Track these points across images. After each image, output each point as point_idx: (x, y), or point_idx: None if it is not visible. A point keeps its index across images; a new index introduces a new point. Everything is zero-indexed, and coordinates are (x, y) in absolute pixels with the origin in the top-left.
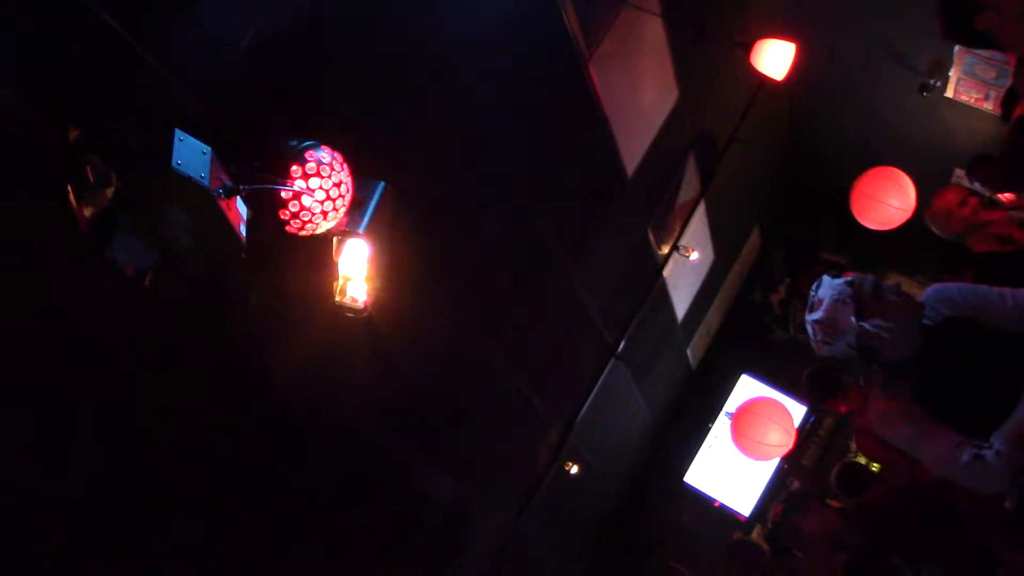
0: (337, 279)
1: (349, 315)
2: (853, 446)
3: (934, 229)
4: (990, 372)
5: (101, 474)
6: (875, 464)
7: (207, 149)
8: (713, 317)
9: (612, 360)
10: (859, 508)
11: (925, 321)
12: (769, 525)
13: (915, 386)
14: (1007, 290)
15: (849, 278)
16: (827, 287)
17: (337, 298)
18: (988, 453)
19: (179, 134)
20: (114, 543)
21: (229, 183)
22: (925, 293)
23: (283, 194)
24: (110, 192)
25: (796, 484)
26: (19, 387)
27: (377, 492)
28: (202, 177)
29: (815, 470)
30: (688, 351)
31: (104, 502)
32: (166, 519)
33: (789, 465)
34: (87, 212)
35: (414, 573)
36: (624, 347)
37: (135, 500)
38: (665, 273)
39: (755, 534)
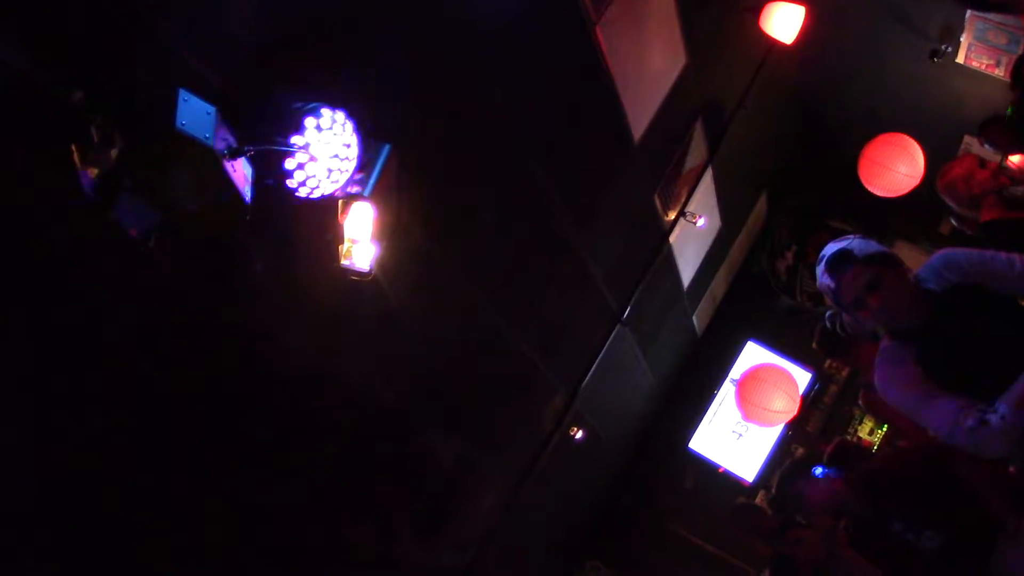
0: (342, 242)
1: (354, 278)
2: (861, 403)
3: (951, 202)
4: (996, 337)
5: (102, 441)
6: (881, 427)
7: (211, 109)
8: (719, 284)
9: (617, 326)
10: (862, 474)
11: (931, 287)
12: (773, 491)
13: (921, 351)
14: (1015, 255)
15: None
16: (822, 263)
17: (342, 261)
18: (993, 417)
19: (183, 94)
20: (113, 508)
21: (234, 144)
22: (932, 258)
23: (288, 156)
24: (114, 153)
25: (800, 451)
26: (19, 353)
27: (380, 456)
28: (207, 138)
29: (819, 437)
30: (694, 318)
31: (107, 468)
32: (167, 484)
33: (793, 432)
34: (91, 173)
35: (416, 537)
36: (630, 313)
37: (136, 468)
38: (671, 239)
39: (759, 499)
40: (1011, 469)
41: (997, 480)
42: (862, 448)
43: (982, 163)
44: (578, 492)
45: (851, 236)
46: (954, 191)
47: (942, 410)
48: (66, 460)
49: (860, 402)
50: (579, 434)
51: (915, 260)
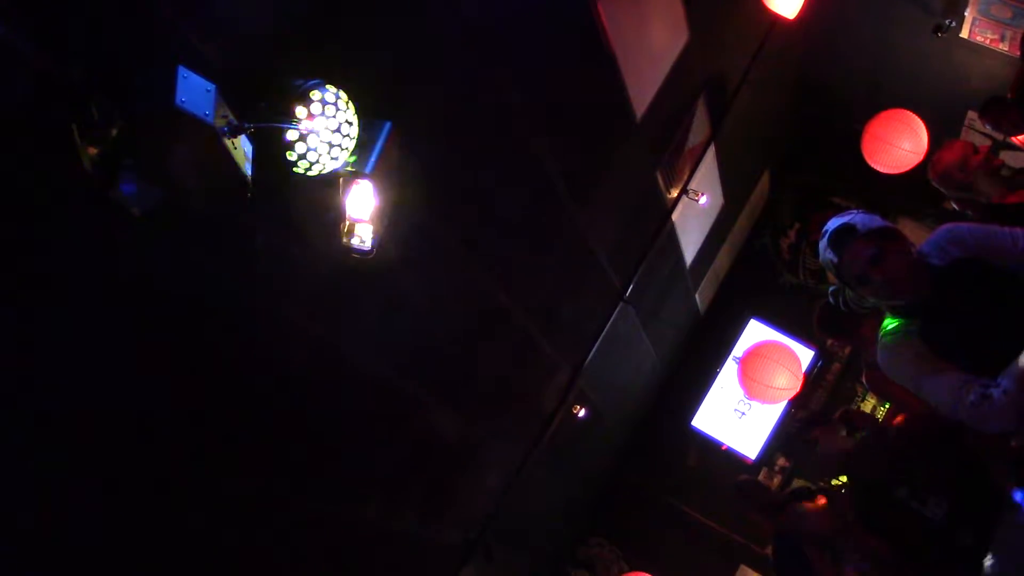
0: (344, 220)
1: (356, 256)
2: (864, 381)
3: (942, 188)
4: (999, 312)
5: (101, 413)
6: (884, 405)
7: (211, 87)
8: (722, 262)
9: (620, 304)
10: (868, 438)
11: (935, 262)
12: (785, 440)
13: (923, 326)
14: (1018, 230)
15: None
16: (824, 238)
17: (344, 240)
18: (995, 392)
19: (183, 71)
20: (111, 476)
21: (234, 121)
22: (935, 233)
23: (288, 133)
24: (114, 132)
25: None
26: (22, 336)
27: (383, 433)
28: (206, 115)
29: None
30: (696, 296)
31: (112, 442)
32: (168, 462)
33: (796, 409)
34: (91, 152)
35: (419, 514)
36: (632, 291)
37: (141, 442)
38: (674, 217)
39: (761, 477)
40: (1013, 444)
41: (1001, 453)
42: (867, 417)
43: (975, 148)
44: (581, 469)
45: (854, 211)
46: (949, 178)
47: (944, 385)
48: (67, 427)
49: (863, 380)
50: (582, 412)
51: (918, 236)
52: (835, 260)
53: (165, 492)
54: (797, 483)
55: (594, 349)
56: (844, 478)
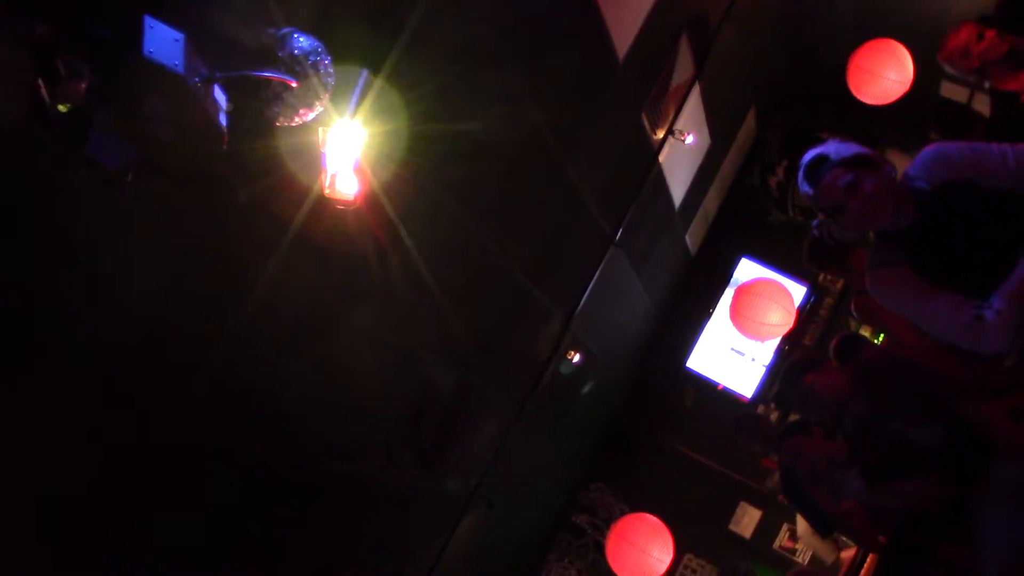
0: (325, 171)
1: (339, 207)
2: (852, 309)
3: (949, 69)
4: (989, 233)
5: (86, 374)
6: (878, 337)
7: (179, 36)
8: (711, 202)
9: (611, 249)
10: (863, 364)
11: (922, 184)
12: (776, 387)
13: (913, 251)
14: (1007, 147)
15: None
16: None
17: (326, 190)
18: (988, 313)
19: (149, 21)
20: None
21: (205, 71)
22: (921, 154)
23: (263, 83)
24: (83, 86)
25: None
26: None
27: (377, 387)
28: (176, 65)
29: (816, 350)
30: (687, 237)
31: (95, 400)
32: (151, 424)
33: (790, 345)
34: (61, 108)
35: (417, 465)
36: (622, 236)
37: (125, 402)
38: (661, 158)
39: (759, 411)
40: (1008, 362)
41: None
42: (864, 339)
43: (980, 35)
44: (578, 416)
45: (829, 141)
46: (954, 65)
47: (937, 309)
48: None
49: (852, 309)
50: (576, 357)
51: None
52: (811, 192)
53: (167, 451)
54: (793, 417)
55: (586, 294)
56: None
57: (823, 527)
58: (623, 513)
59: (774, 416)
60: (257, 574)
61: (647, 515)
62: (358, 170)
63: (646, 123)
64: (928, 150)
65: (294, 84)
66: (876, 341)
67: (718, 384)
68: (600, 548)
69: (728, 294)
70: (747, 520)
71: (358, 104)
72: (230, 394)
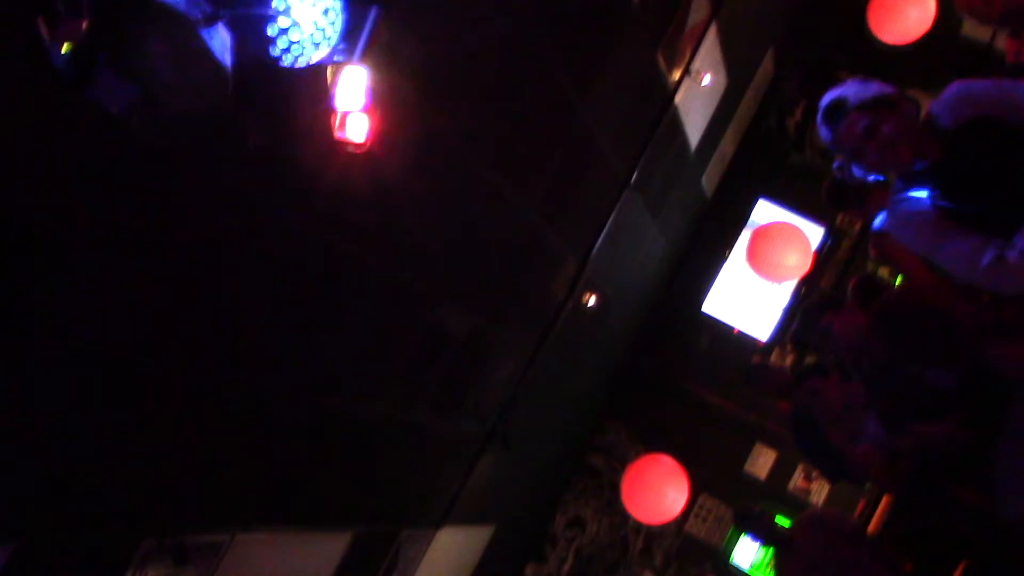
0: (335, 112)
1: (350, 150)
2: (871, 254)
3: (972, 18)
4: (1013, 173)
5: (100, 318)
6: (895, 280)
7: None
8: (728, 144)
9: (625, 191)
10: (881, 307)
11: (946, 123)
12: (795, 328)
13: (935, 191)
14: None
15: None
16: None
17: (336, 132)
18: (1011, 254)
19: None
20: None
21: (208, 8)
22: (945, 91)
23: (269, 21)
24: (84, 25)
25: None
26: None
27: (391, 330)
28: (177, 2)
29: (834, 292)
30: (703, 179)
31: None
32: (168, 367)
33: (806, 288)
34: (62, 49)
35: (435, 407)
36: (637, 178)
37: (139, 346)
38: (677, 99)
39: (774, 357)
40: None
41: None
42: (883, 281)
43: None
44: (594, 358)
45: (849, 81)
46: (975, 12)
47: (958, 250)
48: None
49: (870, 250)
50: (592, 300)
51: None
52: (829, 136)
53: (181, 394)
54: (809, 360)
55: (601, 237)
56: None
57: (833, 473)
58: (639, 454)
59: (790, 358)
60: (279, 511)
61: (662, 456)
62: (368, 111)
63: (662, 63)
64: (951, 88)
65: (300, 22)
66: (895, 283)
67: (734, 328)
68: (615, 488)
69: (745, 236)
70: (763, 461)
71: (368, 43)
72: (237, 336)
